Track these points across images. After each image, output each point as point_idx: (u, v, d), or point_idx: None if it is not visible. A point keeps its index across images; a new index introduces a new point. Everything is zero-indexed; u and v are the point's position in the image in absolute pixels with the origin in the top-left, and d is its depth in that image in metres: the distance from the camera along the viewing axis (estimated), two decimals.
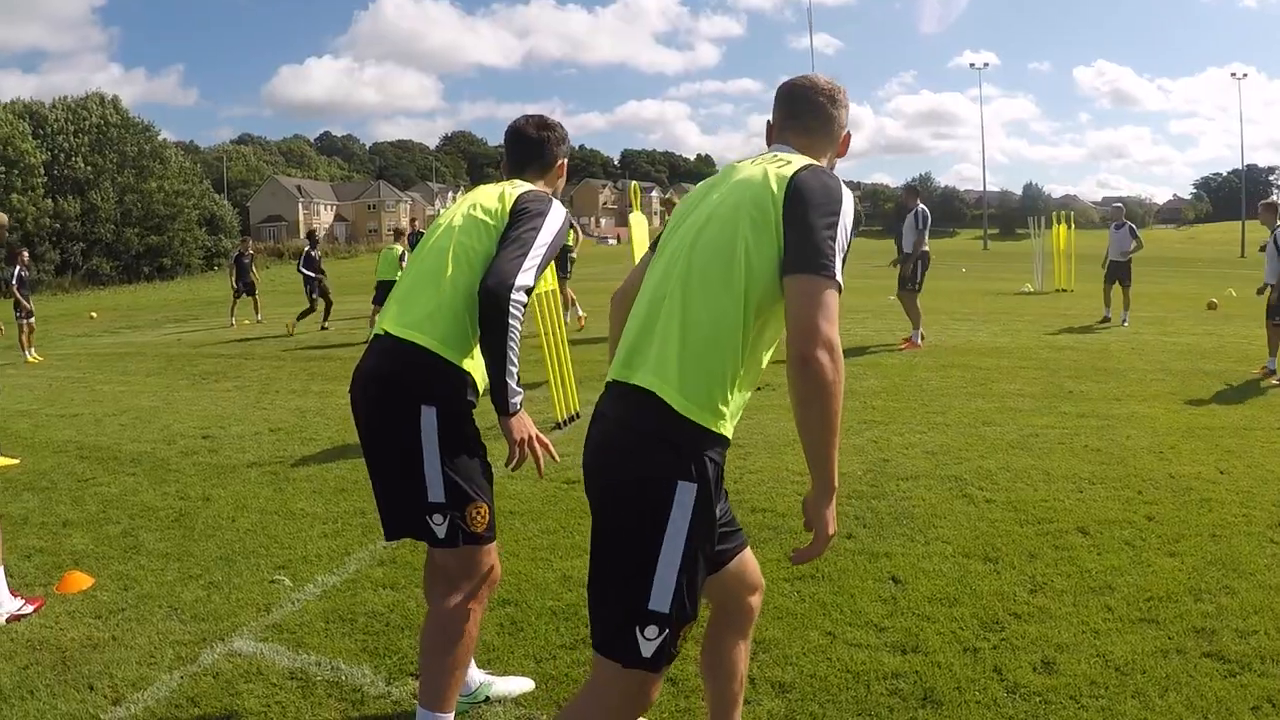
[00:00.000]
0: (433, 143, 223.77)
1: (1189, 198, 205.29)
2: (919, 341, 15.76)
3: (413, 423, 3.65)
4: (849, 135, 3.31)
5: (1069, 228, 30.65)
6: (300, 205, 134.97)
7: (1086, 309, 21.63)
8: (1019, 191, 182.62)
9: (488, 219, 3.82)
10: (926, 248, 16.52)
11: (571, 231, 18.77)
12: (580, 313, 19.33)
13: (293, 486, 8.03)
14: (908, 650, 4.70)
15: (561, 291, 13.98)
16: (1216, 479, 7.66)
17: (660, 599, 2.74)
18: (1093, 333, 17.79)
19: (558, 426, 9.59)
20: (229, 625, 5.23)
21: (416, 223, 26.53)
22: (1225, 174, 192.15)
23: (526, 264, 3.64)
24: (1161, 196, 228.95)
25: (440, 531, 3.69)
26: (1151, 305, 23.18)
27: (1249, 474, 7.83)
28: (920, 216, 16.39)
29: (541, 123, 4.22)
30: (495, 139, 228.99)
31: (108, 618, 5.37)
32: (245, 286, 25.08)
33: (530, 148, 4.18)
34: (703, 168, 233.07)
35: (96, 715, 4.28)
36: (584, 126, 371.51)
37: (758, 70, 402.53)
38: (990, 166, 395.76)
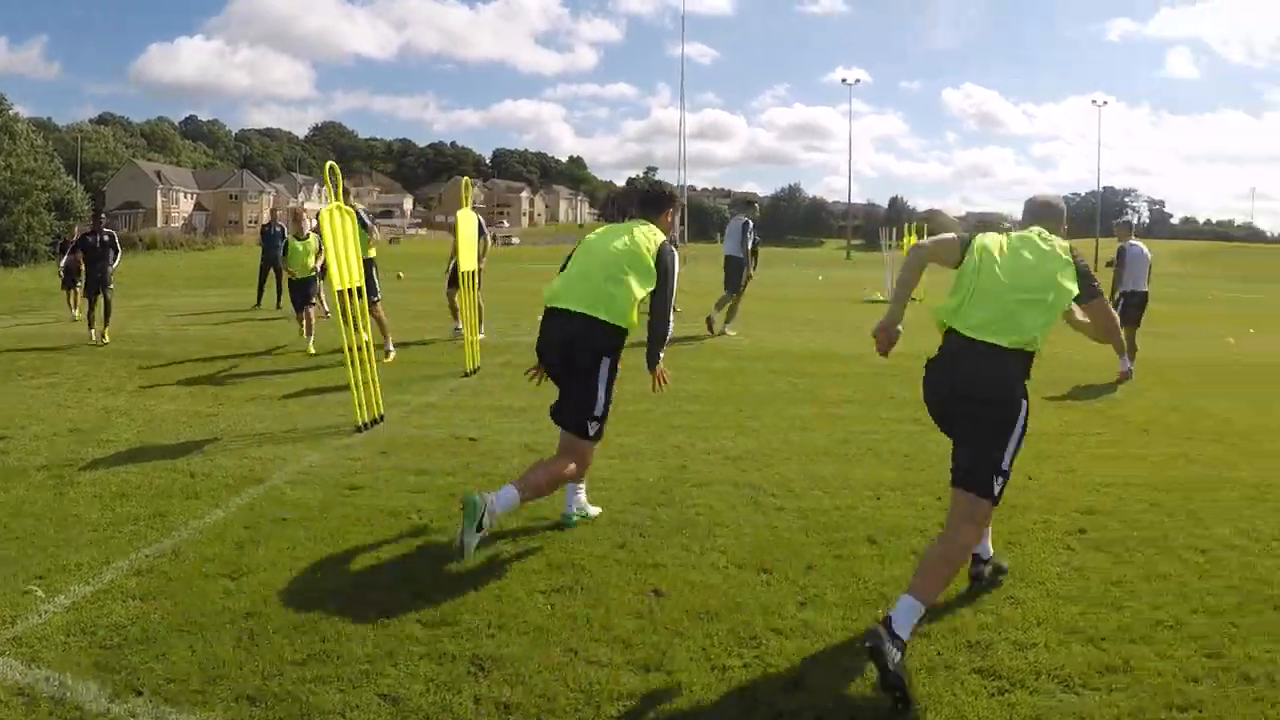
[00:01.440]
0: (302, 132, 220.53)
1: None
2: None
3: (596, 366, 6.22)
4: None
5: (919, 239, 31.10)
6: (159, 192, 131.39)
7: (929, 317, 21.80)
8: (885, 205, 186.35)
9: (645, 243, 6.39)
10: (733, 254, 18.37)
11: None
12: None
13: (75, 490, 7.53)
14: (652, 669, 4.50)
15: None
16: (1024, 485, 7.65)
17: (1008, 461, 4.87)
18: (924, 337, 17.86)
19: (358, 429, 9.26)
20: None
21: (278, 214, 25.54)
22: (1084, 194, 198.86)
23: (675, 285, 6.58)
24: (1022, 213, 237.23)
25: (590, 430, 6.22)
26: None
27: (1058, 479, 7.90)
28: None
29: (661, 185, 7.16)
30: (366, 131, 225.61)
31: None
32: (69, 277, 22.70)
33: (656, 201, 6.79)
34: (574, 169, 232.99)
35: None
36: (458, 123, 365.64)
37: (635, 75, 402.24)
38: (858, 180, 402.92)
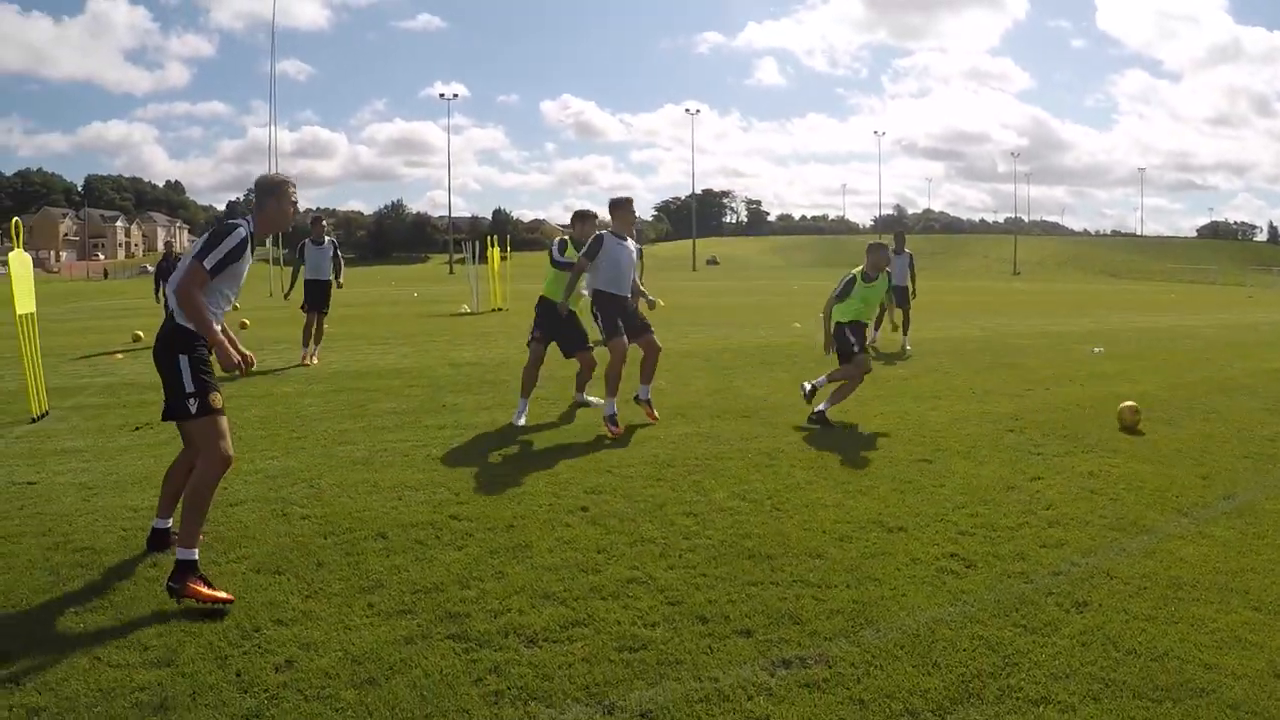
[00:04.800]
0: None
1: (651, 219, 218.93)
2: None
3: None
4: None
5: (502, 251, 32.02)
6: None
7: (511, 326, 22.60)
8: (489, 217, 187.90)
9: None
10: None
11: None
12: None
13: None
14: (163, 664, 4.73)
15: None
16: (536, 473, 8.30)
17: None
18: (491, 346, 18.53)
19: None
20: None
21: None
22: (683, 198, 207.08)
23: None
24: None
25: None
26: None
27: (575, 466, 8.60)
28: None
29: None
30: None
31: None
32: None
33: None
34: (172, 194, 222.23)
35: None
36: (44, 148, 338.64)
37: (229, 93, 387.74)
38: (464, 193, 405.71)
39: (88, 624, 5.26)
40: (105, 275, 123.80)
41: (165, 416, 5.97)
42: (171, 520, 6.24)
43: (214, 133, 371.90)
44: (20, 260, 12.40)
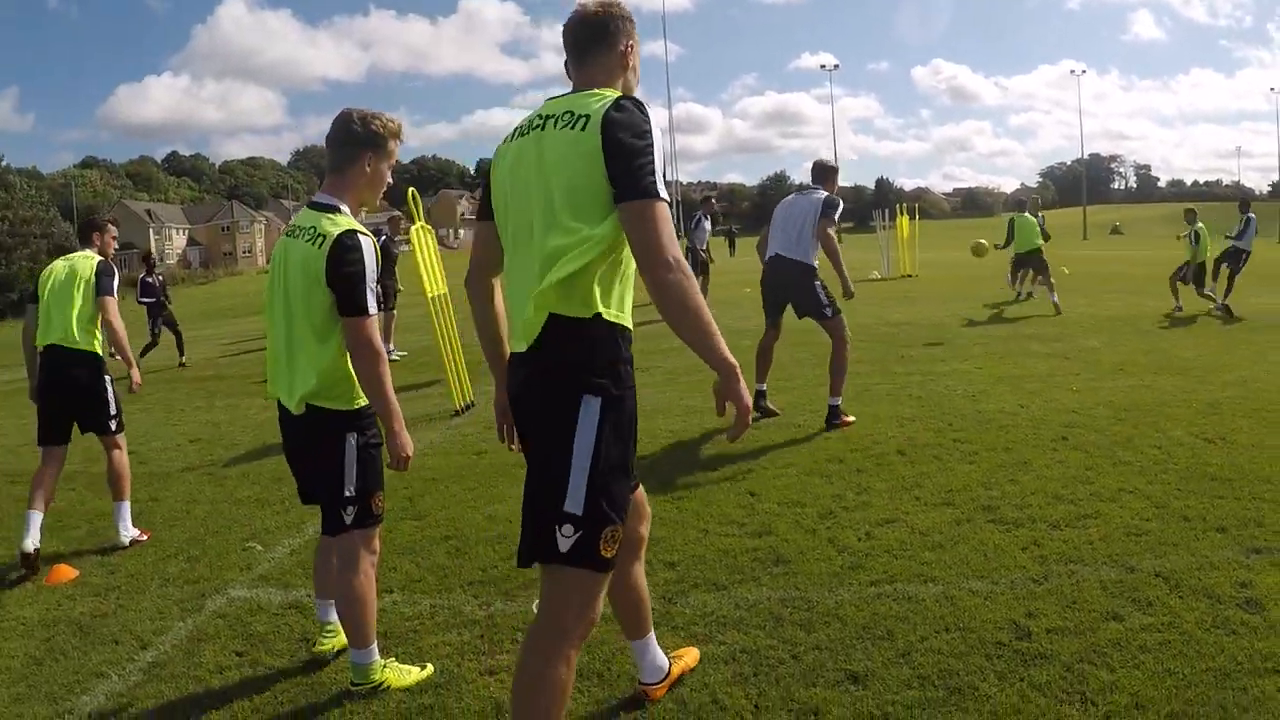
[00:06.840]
0: (283, 159, 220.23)
1: (1035, 186, 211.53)
2: None
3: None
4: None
5: (911, 219, 32.96)
6: (151, 230, 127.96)
7: (927, 291, 23.61)
8: (871, 186, 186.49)
9: None
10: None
11: None
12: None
13: (232, 481, 8.87)
14: (763, 534, 6.29)
15: None
16: (1016, 412, 9.52)
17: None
18: (919, 308, 19.67)
19: (456, 413, 10.93)
20: (220, 582, 6.16)
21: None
22: (1069, 163, 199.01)
23: None
24: (1009, 186, 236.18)
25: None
26: (989, 283, 25.53)
27: (1044, 407, 9.71)
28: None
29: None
30: None
31: (106, 594, 6.08)
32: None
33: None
34: None
35: (129, 659, 5.06)
36: (433, 137, 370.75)
37: None
38: (841, 162, 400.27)
39: (682, 508, 6.93)
40: None
41: (802, 314, 9.43)
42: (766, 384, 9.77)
43: None
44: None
